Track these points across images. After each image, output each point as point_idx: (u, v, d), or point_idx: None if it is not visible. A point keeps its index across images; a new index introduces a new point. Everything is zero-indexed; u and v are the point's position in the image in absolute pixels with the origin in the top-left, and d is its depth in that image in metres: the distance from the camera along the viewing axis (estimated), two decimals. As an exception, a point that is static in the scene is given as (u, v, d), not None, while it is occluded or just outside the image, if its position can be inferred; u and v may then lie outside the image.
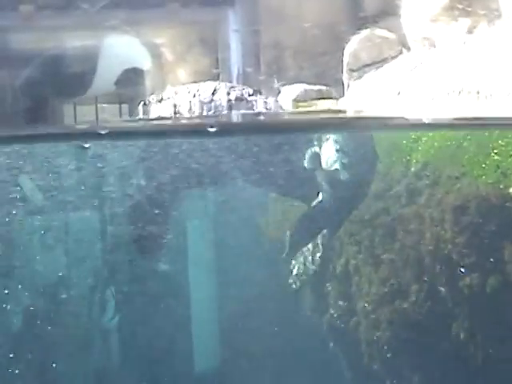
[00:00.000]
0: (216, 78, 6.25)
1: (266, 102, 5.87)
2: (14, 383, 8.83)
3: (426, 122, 5.56)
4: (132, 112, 6.19)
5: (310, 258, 9.14)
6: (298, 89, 5.95)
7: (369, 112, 5.88)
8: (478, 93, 5.26)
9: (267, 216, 9.46)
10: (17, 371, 8.85)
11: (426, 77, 5.54)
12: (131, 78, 6.27)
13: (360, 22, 6.11)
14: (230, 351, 9.62)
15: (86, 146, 6.40)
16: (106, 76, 6.24)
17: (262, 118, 5.87)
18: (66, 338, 9.20)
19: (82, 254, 9.35)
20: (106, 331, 9.47)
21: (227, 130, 5.85)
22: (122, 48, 6.33)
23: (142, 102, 6.04)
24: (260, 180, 7.60)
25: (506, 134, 7.58)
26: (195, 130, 6.01)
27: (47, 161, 7.67)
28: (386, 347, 8.31)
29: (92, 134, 5.76)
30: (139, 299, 9.36)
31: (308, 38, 6.17)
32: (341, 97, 6.06)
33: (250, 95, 5.84)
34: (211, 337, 9.80)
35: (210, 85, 5.87)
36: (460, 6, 5.61)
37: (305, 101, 5.93)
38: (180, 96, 5.93)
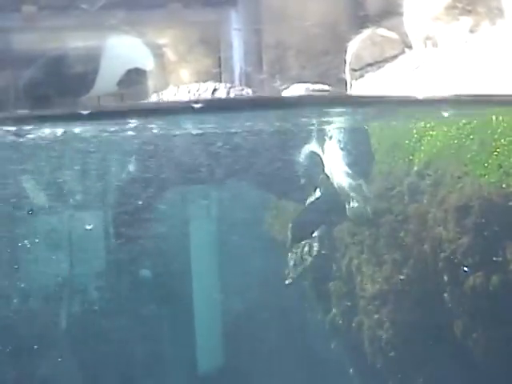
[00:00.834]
0: (218, 77, 6.26)
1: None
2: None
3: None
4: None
5: (310, 256, 9.14)
6: (300, 88, 5.95)
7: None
8: (481, 92, 5.27)
9: (259, 213, 9.46)
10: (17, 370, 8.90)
11: (428, 76, 5.54)
12: (134, 78, 6.27)
13: (362, 22, 6.12)
14: (233, 351, 9.62)
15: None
16: (108, 76, 6.24)
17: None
18: (66, 336, 9.23)
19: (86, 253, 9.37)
20: (107, 330, 9.47)
21: (212, 106, 5.80)
22: (124, 48, 6.33)
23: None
24: (253, 177, 7.59)
25: (508, 134, 7.58)
26: (180, 108, 5.95)
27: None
28: (389, 346, 8.31)
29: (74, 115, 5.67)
30: (136, 296, 9.39)
31: (310, 37, 6.17)
32: (343, 96, 6.06)
33: (249, 95, 5.84)
34: (214, 336, 9.80)
35: (210, 85, 5.87)
36: (462, 5, 5.61)
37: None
38: (180, 96, 5.92)
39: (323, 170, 7.70)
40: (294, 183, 7.80)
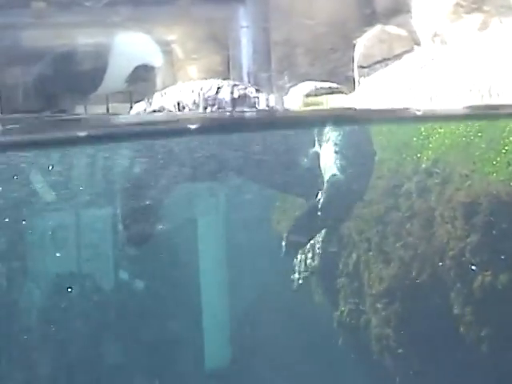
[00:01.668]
0: (226, 74, 6.26)
1: (268, 100, 5.87)
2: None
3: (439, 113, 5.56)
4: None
5: (316, 254, 9.14)
6: (308, 86, 5.94)
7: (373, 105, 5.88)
8: (490, 90, 5.26)
9: (263, 212, 9.46)
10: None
11: (437, 74, 5.53)
12: (142, 75, 6.27)
13: (371, 19, 6.11)
14: (240, 348, 9.63)
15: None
16: (117, 73, 6.25)
17: (252, 114, 5.85)
18: (70, 335, 9.26)
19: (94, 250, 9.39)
20: (113, 328, 9.50)
21: (207, 127, 5.82)
22: (132, 45, 6.33)
23: (146, 100, 6.02)
24: (256, 176, 7.59)
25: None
26: (176, 128, 5.98)
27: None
28: (396, 344, 8.31)
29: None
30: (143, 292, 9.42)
31: (319, 35, 6.17)
32: (351, 94, 6.05)
33: (253, 93, 5.83)
34: (221, 334, 9.81)
35: (214, 82, 5.86)
36: (471, 3, 5.60)
37: (315, 96, 5.93)
38: (183, 94, 5.92)
39: (320, 171, 7.70)
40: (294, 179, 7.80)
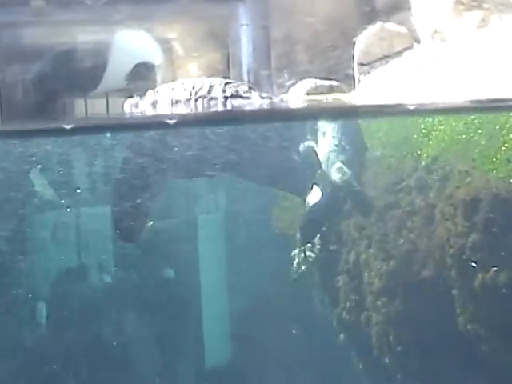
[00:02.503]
0: (226, 72, 6.26)
1: (261, 98, 5.86)
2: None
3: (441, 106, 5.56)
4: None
5: (317, 251, 9.16)
6: (308, 84, 5.94)
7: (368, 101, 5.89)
8: (489, 87, 5.26)
9: (259, 208, 9.45)
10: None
11: (437, 71, 5.53)
12: (142, 72, 6.27)
13: (371, 16, 6.11)
14: (240, 346, 9.64)
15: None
16: (117, 71, 6.25)
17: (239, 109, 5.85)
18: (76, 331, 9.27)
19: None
20: (113, 326, 9.51)
21: (186, 122, 5.82)
22: (133, 43, 6.33)
23: (138, 97, 6.00)
24: (247, 172, 7.58)
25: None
26: (154, 123, 5.98)
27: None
28: (397, 342, 8.33)
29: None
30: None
31: (318, 32, 6.17)
32: (351, 91, 6.05)
33: (245, 91, 5.82)
34: (221, 332, 9.83)
35: (206, 80, 5.85)
36: (471, 0, 5.60)
37: (315, 93, 5.93)
38: (176, 91, 5.90)
39: (320, 166, 7.70)
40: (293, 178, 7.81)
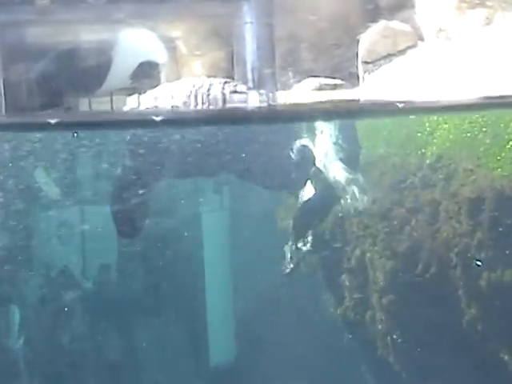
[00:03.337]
0: (230, 71, 6.25)
1: (260, 96, 5.86)
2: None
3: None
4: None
5: (320, 248, 9.16)
6: (312, 82, 5.94)
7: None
8: (493, 84, 5.26)
9: (250, 207, 9.47)
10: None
11: (441, 69, 5.53)
12: (146, 71, 6.26)
13: (375, 14, 6.10)
14: (245, 344, 9.65)
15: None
16: (121, 69, 6.24)
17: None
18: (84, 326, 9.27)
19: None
20: (117, 325, 9.51)
21: (173, 120, 5.83)
22: (137, 41, 6.33)
23: (136, 96, 6.00)
24: (243, 172, 7.59)
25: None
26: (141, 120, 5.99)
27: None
28: (401, 340, 8.32)
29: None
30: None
31: (322, 30, 6.16)
32: (355, 89, 6.05)
33: (243, 90, 5.82)
34: (226, 330, 9.83)
35: (205, 80, 5.86)
36: (475, -2, 5.60)
37: (319, 91, 5.92)
38: (175, 91, 5.91)
39: (314, 164, 7.71)
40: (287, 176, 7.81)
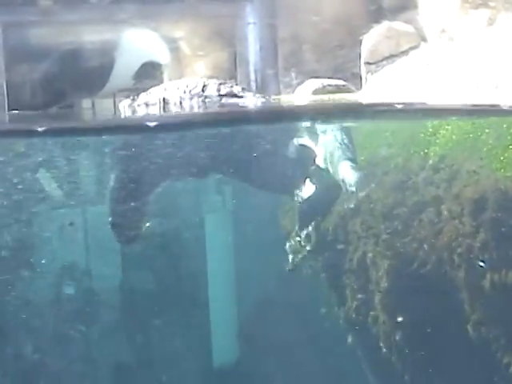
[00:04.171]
0: (233, 71, 6.26)
1: (255, 98, 5.87)
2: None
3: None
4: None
5: (324, 249, 9.16)
6: (315, 83, 5.94)
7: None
8: (497, 86, 5.25)
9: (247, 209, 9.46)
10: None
11: (444, 70, 5.52)
12: (149, 72, 6.27)
13: (377, 15, 6.10)
14: (247, 345, 9.65)
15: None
16: (124, 70, 6.25)
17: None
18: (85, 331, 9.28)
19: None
20: (120, 325, 9.53)
21: (168, 124, 5.83)
22: (140, 42, 6.34)
23: (131, 98, 6.00)
24: (239, 173, 7.58)
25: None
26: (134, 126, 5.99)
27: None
28: (404, 342, 8.32)
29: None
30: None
31: (325, 31, 6.17)
32: (358, 90, 6.05)
33: (239, 91, 5.81)
34: (228, 332, 9.83)
35: (200, 81, 5.84)
36: (478, -1, 5.60)
37: (322, 93, 5.92)
38: (169, 92, 5.90)
39: (314, 162, 7.70)
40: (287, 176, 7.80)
